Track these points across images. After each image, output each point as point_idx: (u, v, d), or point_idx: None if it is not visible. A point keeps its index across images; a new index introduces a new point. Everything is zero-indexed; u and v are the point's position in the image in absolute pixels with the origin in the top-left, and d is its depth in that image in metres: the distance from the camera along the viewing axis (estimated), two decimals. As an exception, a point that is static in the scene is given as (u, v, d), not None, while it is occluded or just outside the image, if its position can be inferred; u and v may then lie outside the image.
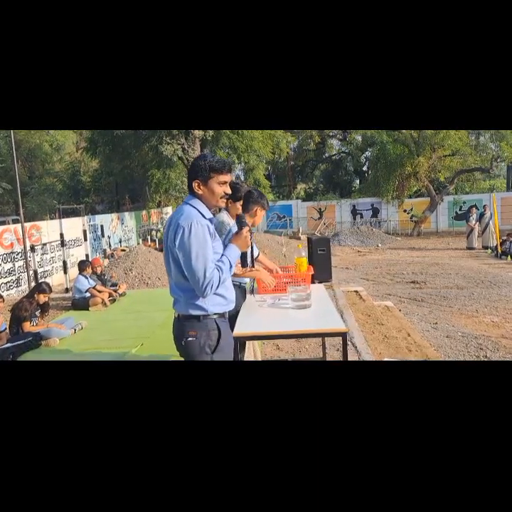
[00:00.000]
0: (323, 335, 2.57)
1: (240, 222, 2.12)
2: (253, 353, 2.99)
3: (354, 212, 20.02)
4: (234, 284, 2.75)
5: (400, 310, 7.46)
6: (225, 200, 2.07)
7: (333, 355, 3.80)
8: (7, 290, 8.88)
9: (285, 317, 2.46)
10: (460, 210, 18.24)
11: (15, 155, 7.12)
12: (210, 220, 2.05)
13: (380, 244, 15.46)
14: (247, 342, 2.82)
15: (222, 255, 2.03)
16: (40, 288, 4.86)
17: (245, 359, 2.78)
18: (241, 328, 2.26)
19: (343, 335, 2.19)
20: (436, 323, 6.68)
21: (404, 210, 19.02)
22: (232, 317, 2.48)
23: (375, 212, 19.72)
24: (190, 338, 1.98)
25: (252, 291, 2.96)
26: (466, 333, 6.08)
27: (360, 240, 15.78)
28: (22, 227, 7.64)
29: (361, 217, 19.81)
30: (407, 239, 16.96)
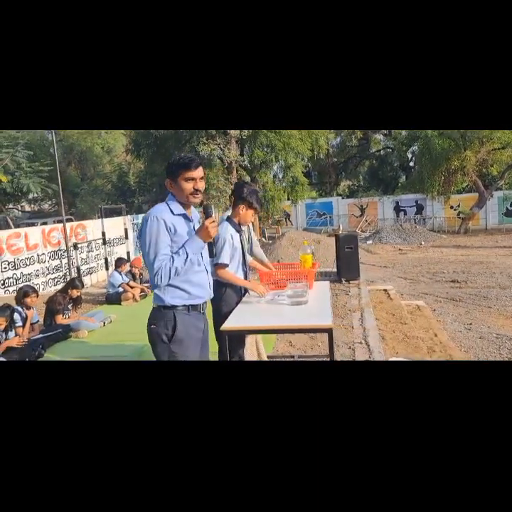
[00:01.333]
0: (307, 330, 2.60)
1: (206, 213, 2.11)
2: (256, 350, 3.04)
3: (397, 209, 19.47)
4: (226, 283, 2.79)
5: (434, 310, 7.23)
6: (198, 196, 2.09)
7: (345, 353, 3.79)
8: (54, 285, 9.44)
9: (277, 313, 2.50)
10: (511, 205, 17.28)
11: (56, 157, 7.57)
12: (183, 216, 2.10)
13: (423, 242, 14.97)
14: (248, 339, 2.88)
15: (182, 247, 2.05)
16: (73, 284, 5.18)
17: (245, 355, 2.83)
18: (229, 323, 2.33)
19: (329, 331, 2.21)
20: (470, 323, 6.42)
21: (451, 207, 18.26)
22: (226, 314, 2.56)
23: (420, 208, 19.08)
24: (152, 326, 2.12)
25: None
26: (502, 334, 5.81)
27: (402, 238, 15.35)
28: (63, 226, 8.11)
29: (405, 214, 19.23)
30: (454, 236, 16.29)
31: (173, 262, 2.01)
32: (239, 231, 2.86)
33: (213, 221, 2.07)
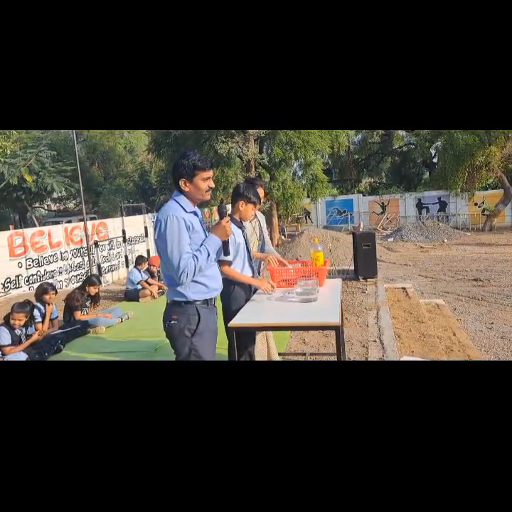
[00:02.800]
0: (314, 328, 2.58)
1: (221, 212, 2.21)
2: (267, 347, 3.04)
3: (419, 206, 19.14)
4: (234, 281, 2.80)
5: (455, 308, 7.09)
6: (210, 193, 2.18)
7: (358, 351, 3.76)
8: (76, 282, 9.65)
9: (285, 310, 2.49)
10: (539, 202, 16.75)
11: (77, 157, 7.73)
12: (194, 213, 2.16)
13: (446, 240, 14.67)
14: (258, 336, 2.88)
15: (201, 244, 2.12)
16: (91, 281, 5.27)
17: (255, 352, 2.84)
18: (237, 319, 2.34)
19: (336, 328, 2.19)
20: (492, 323, 6.28)
21: (475, 204, 17.84)
22: (236, 312, 2.57)
23: (443, 205, 18.70)
24: (172, 322, 2.15)
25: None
26: (524, 334, 5.67)
27: (425, 235, 15.07)
28: (84, 224, 8.27)
29: (427, 211, 18.88)
30: (478, 234, 15.92)
31: (197, 260, 2.07)
32: (240, 227, 2.86)
33: (228, 220, 2.18)
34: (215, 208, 17.56)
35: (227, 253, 2.31)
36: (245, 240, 2.84)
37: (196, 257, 2.07)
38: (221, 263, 2.64)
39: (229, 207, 2.96)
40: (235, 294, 2.77)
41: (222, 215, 2.19)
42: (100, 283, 5.51)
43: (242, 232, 2.84)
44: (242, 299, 2.79)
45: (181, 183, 2.13)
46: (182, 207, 2.12)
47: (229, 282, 2.74)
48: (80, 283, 9.59)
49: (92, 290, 5.24)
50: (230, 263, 2.72)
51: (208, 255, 2.10)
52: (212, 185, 2.17)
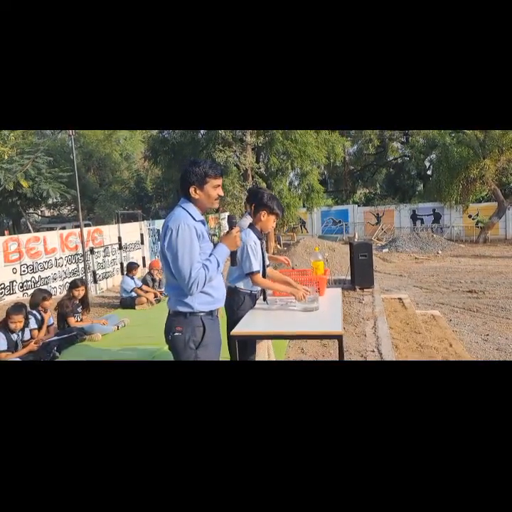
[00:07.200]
0: (317, 337, 2.58)
1: (230, 223, 2.19)
2: (267, 356, 3.03)
3: (414, 217, 19.29)
4: (245, 292, 2.78)
5: (450, 320, 7.11)
6: (218, 202, 2.16)
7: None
8: (71, 289, 9.58)
9: (287, 319, 2.49)
10: (532, 215, 16.95)
11: (75, 163, 7.70)
12: (202, 222, 2.13)
13: (440, 251, 14.77)
14: (259, 345, 2.86)
15: (211, 254, 2.09)
16: (74, 284, 5.11)
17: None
18: (240, 328, 2.33)
19: (339, 338, 2.19)
20: (487, 335, 6.31)
21: (469, 216, 18.01)
22: (237, 321, 2.55)
23: (437, 217, 18.86)
24: (176, 333, 2.08)
25: (264, 298, 2.96)
26: (520, 346, 5.69)
27: (419, 247, 15.17)
28: (81, 230, 8.24)
29: (422, 222, 19.03)
30: (472, 246, 16.03)
31: (208, 270, 2.03)
32: (260, 238, 2.81)
33: (239, 230, 2.16)
34: (210, 217, 17.56)
35: (234, 263, 2.29)
36: (262, 252, 2.78)
37: (207, 266, 2.03)
38: (251, 274, 2.63)
39: (240, 219, 2.88)
40: (244, 305, 2.73)
41: (231, 225, 2.17)
42: (84, 283, 5.34)
43: (261, 243, 2.78)
44: (249, 308, 2.75)
45: (192, 190, 2.09)
46: (191, 215, 2.08)
47: (240, 293, 2.72)
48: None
49: (77, 293, 5.08)
50: (258, 273, 2.67)
51: (218, 265, 2.07)
52: (222, 193, 2.14)
